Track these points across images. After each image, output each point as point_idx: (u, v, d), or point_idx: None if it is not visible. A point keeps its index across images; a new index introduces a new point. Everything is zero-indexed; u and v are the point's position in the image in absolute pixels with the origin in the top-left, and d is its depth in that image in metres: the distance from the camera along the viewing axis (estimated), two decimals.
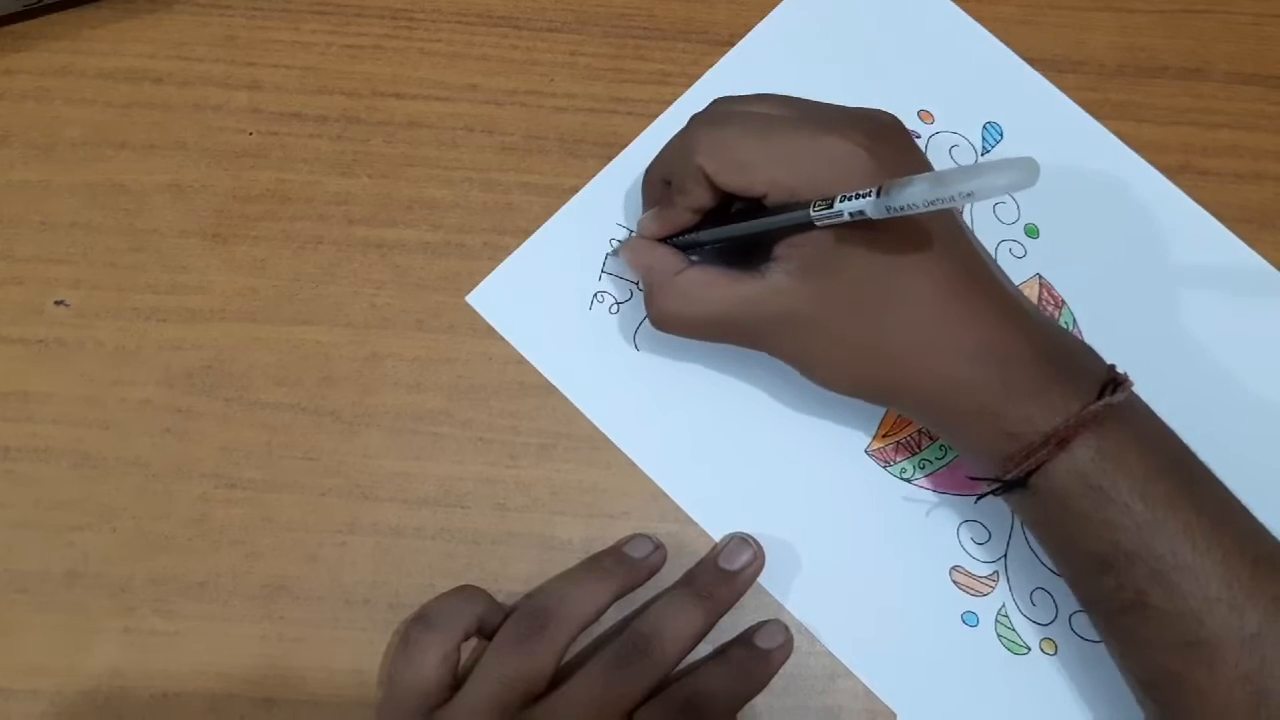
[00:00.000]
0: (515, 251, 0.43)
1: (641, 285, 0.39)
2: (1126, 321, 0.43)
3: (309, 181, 0.44)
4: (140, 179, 0.43)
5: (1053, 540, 0.36)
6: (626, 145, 0.45)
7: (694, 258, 0.39)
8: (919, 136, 0.45)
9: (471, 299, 0.42)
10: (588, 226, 0.44)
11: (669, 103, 0.45)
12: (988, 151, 0.45)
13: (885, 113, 0.37)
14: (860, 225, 0.32)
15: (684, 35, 0.47)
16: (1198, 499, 0.33)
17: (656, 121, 0.45)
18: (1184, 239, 0.45)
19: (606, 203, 0.44)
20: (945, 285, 0.34)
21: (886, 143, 0.35)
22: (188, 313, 0.42)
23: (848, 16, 0.47)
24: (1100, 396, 0.33)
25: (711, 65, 0.46)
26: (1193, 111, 0.47)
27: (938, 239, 0.34)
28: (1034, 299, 0.43)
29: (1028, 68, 0.47)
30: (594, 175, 0.44)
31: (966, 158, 0.45)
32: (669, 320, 0.37)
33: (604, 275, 0.43)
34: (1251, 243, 0.45)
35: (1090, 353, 0.36)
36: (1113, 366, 0.35)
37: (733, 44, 0.46)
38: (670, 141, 0.39)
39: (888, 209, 0.30)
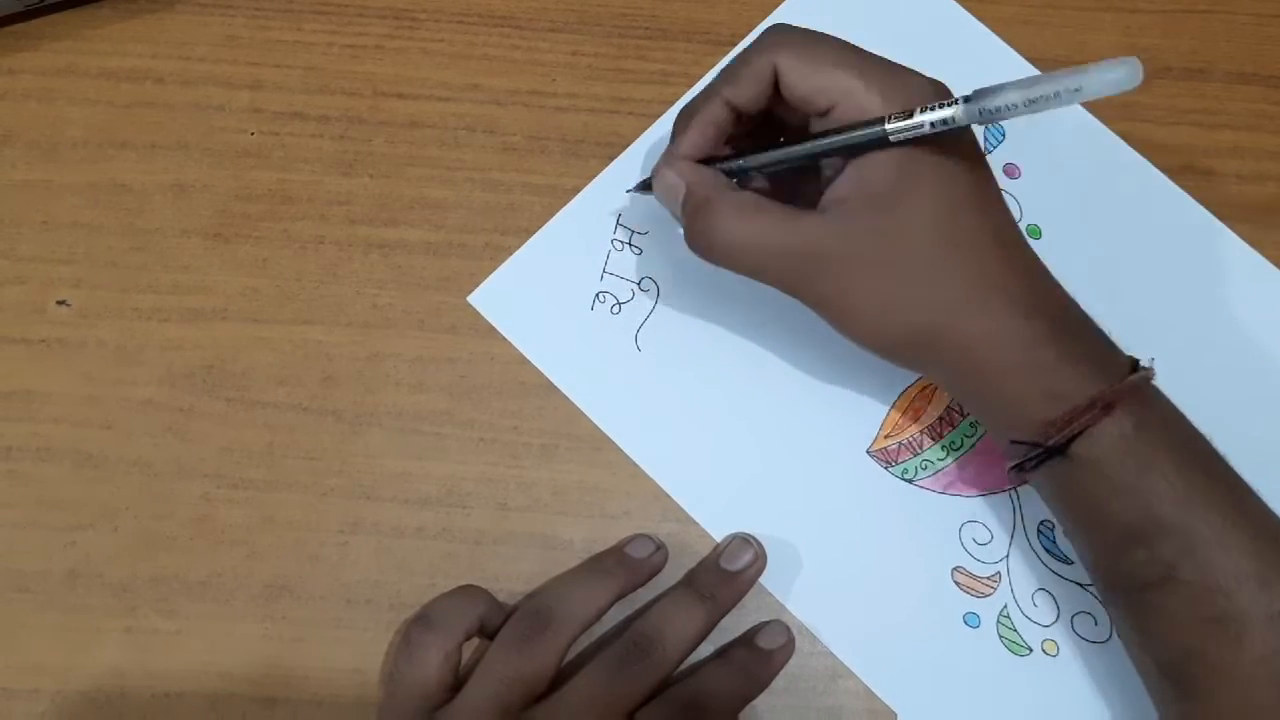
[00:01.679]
0: (517, 252, 0.43)
1: (679, 206, 0.36)
2: (1128, 321, 0.43)
3: (311, 181, 0.44)
4: (142, 179, 0.43)
5: (1083, 513, 0.35)
6: (628, 145, 0.45)
7: None
8: None
9: (473, 299, 0.42)
10: (589, 227, 0.44)
11: (671, 103, 0.45)
12: (989, 152, 0.45)
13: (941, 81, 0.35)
14: (926, 163, 0.32)
15: (686, 35, 0.46)
16: (1223, 479, 0.33)
17: (658, 122, 0.45)
18: (1186, 239, 0.45)
19: (608, 203, 0.44)
20: (1003, 232, 0.34)
21: (947, 96, 0.34)
22: (189, 312, 0.42)
23: (849, 16, 0.47)
24: (1134, 371, 0.33)
25: (713, 65, 0.46)
26: (1195, 112, 0.47)
27: (992, 187, 0.34)
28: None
29: (1030, 68, 0.47)
30: (596, 175, 0.44)
31: None
32: (714, 243, 0.35)
33: (606, 275, 0.43)
34: (1253, 243, 0.45)
35: (1107, 334, 0.36)
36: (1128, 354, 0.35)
37: (734, 44, 0.46)
38: (733, 55, 0.37)
39: (981, 111, 0.29)
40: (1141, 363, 0.34)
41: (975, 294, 0.33)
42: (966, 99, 0.30)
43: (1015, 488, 0.41)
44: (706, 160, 0.36)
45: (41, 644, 0.38)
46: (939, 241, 0.33)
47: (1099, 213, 0.44)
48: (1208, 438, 0.34)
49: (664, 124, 0.45)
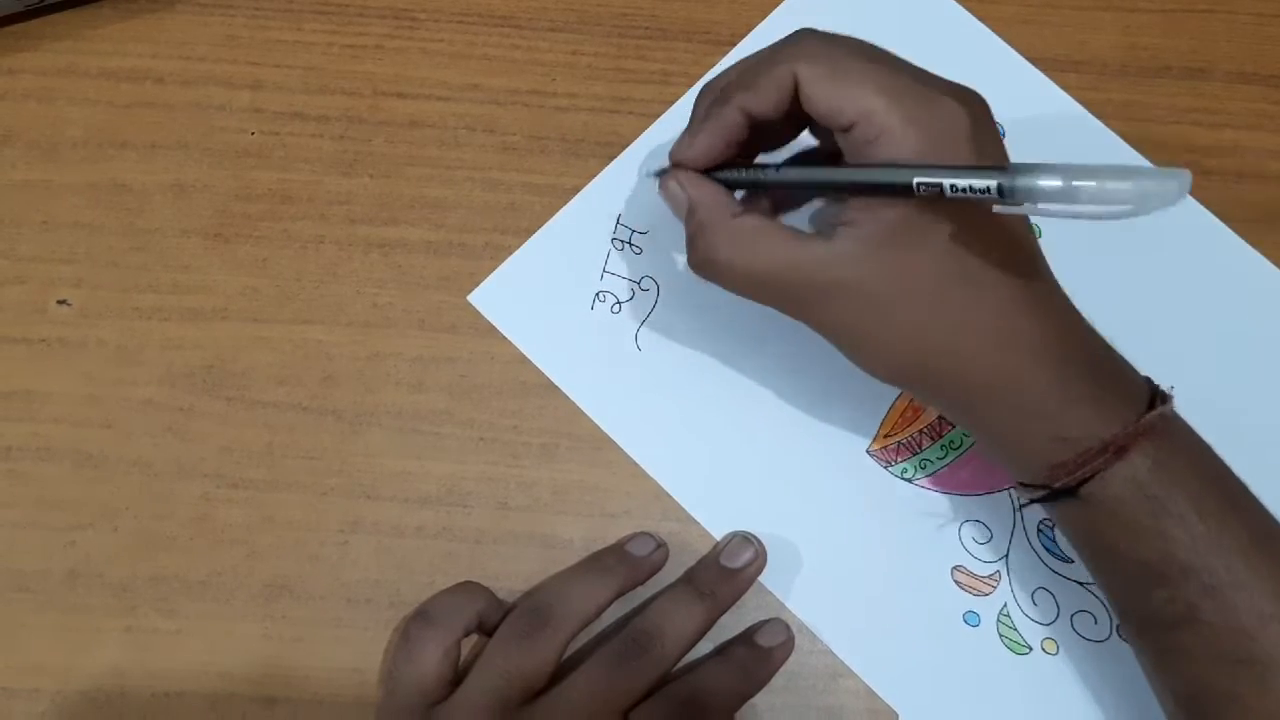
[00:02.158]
0: (517, 251, 0.43)
1: (685, 223, 0.34)
2: (1128, 321, 0.43)
3: (311, 181, 0.44)
4: (142, 179, 0.43)
5: (1098, 552, 0.34)
6: (628, 145, 0.45)
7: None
8: None
9: (473, 298, 0.42)
10: (589, 226, 0.44)
11: (671, 103, 0.45)
12: None
13: (978, 93, 0.33)
14: (942, 203, 0.30)
15: (686, 35, 0.47)
16: (1246, 515, 0.32)
17: (658, 121, 0.45)
18: (1186, 239, 0.45)
19: (608, 202, 0.44)
20: (1022, 273, 0.32)
21: (985, 124, 0.32)
22: (189, 312, 0.42)
23: (849, 16, 0.47)
24: (1151, 405, 0.32)
25: (713, 65, 0.46)
26: (1195, 111, 0.47)
27: (1017, 220, 0.33)
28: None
29: (1030, 67, 0.47)
30: (596, 175, 0.44)
31: None
32: (716, 268, 0.34)
33: (606, 275, 0.43)
34: (1254, 243, 0.44)
35: (1128, 363, 0.34)
36: (1149, 379, 0.34)
37: (734, 44, 0.46)
38: (756, 52, 0.34)
39: (1015, 210, 0.28)
40: (1161, 389, 0.33)
41: (983, 336, 0.32)
42: (1000, 186, 0.28)
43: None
44: (718, 165, 0.35)
45: (41, 644, 0.38)
46: (955, 279, 0.32)
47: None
48: (1227, 466, 0.33)
49: (665, 124, 0.45)
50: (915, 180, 0.29)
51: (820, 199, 0.41)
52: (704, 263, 0.34)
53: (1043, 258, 0.34)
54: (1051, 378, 0.32)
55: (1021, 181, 0.28)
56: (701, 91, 0.36)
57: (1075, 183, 0.27)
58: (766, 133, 0.35)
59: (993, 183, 0.28)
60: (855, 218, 0.32)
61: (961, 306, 0.32)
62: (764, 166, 0.34)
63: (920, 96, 0.31)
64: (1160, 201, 0.26)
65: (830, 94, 0.31)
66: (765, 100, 0.32)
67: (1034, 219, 0.40)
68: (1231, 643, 0.31)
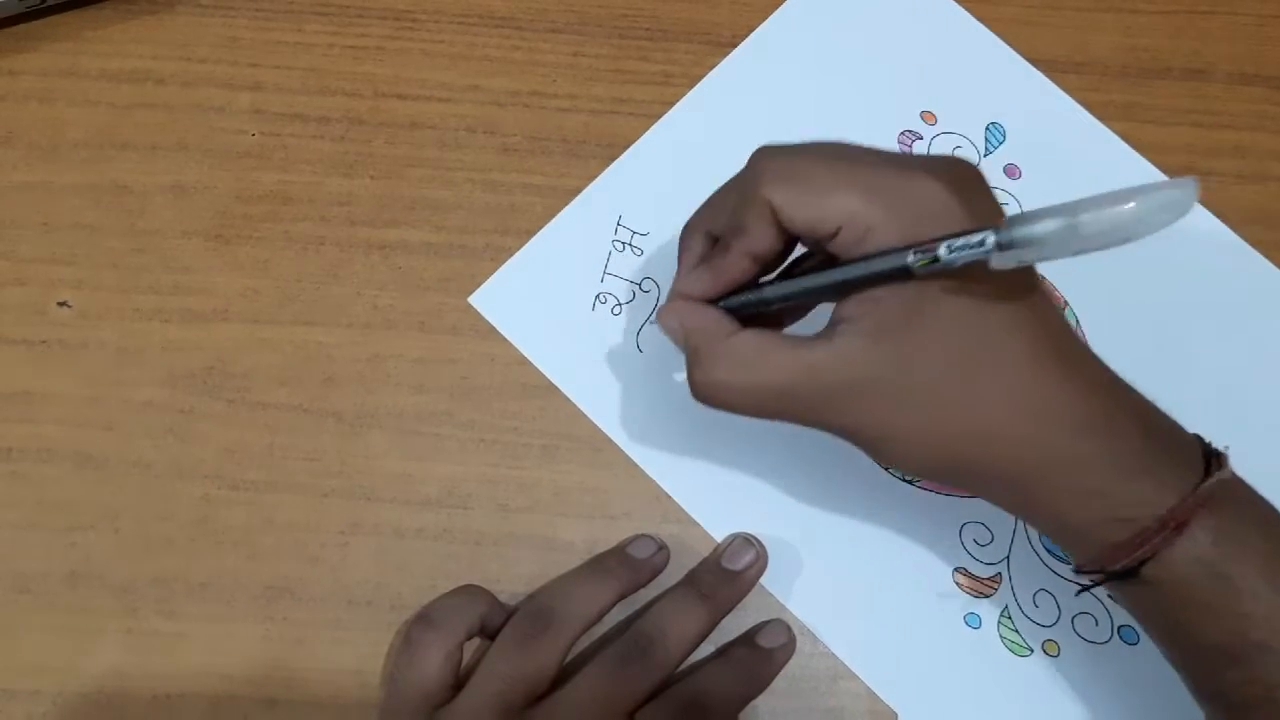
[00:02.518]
0: (518, 252, 0.43)
1: (684, 352, 0.33)
2: (1129, 322, 0.43)
3: (311, 182, 0.44)
4: (143, 180, 0.43)
5: (1166, 631, 0.32)
6: (629, 146, 0.45)
7: None
8: (921, 138, 0.45)
9: (474, 300, 0.42)
10: (590, 227, 0.44)
11: (671, 104, 0.45)
12: (990, 152, 0.45)
13: (964, 160, 0.32)
14: (944, 277, 0.29)
15: (686, 36, 0.46)
16: None
17: (659, 122, 0.45)
18: (1187, 240, 0.44)
19: (609, 204, 0.44)
20: (1043, 345, 0.30)
21: (970, 186, 0.30)
22: (190, 314, 0.42)
23: (850, 17, 0.47)
24: (1208, 469, 0.30)
25: (714, 66, 0.46)
26: (1196, 112, 0.47)
27: (1031, 291, 0.30)
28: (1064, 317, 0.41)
29: (1031, 68, 0.47)
30: (596, 176, 0.44)
31: (970, 158, 0.45)
32: (717, 390, 0.32)
33: (607, 276, 0.43)
34: (1255, 243, 0.44)
35: (1175, 422, 0.32)
36: (1199, 436, 0.32)
37: (735, 45, 0.46)
38: (720, 188, 0.34)
39: (1018, 261, 0.26)
40: (1214, 448, 0.31)
41: (1013, 415, 0.30)
42: (998, 241, 0.26)
43: None
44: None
45: (42, 645, 0.38)
46: (963, 360, 0.30)
47: None
48: None
49: (665, 125, 0.45)
50: (909, 257, 0.28)
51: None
52: (704, 386, 0.32)
53: (1069, 325, 0.32)
54: (1098, 451, 0.30)
55: (1019, 231, 0.26)
56: (684, 230, 0.35)
57: (1077, 218, 0.25)
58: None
59: (989, 236, 0.27)
60: (854, 313, 0.30)
61: (982, 385, 0.30)
62: (760, 285, 0.33)
63: (895, 184, 0.30)
64: (1170, 215, 0.25)
65: (807, 210, 0.30)
66: (763, 239, 0.31)
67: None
68: None
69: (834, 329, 0.31)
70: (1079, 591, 0.33)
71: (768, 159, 0.31)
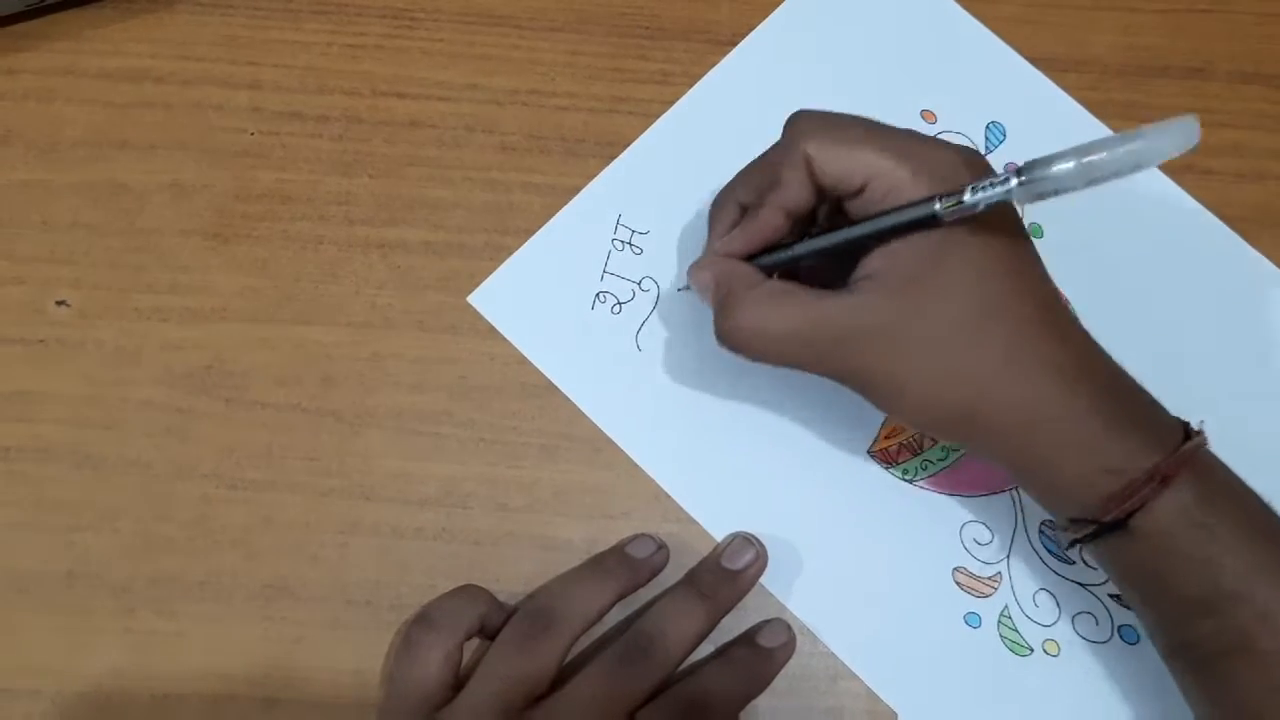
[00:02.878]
0: (517, 251, 0.43)
1: (713, 301, 0.36)
2: (1129, 321, 0.43)
3: (310, 181, 0.43)
4: (141, 179, 0.43)
5: (1145, 585, 0.34)
6: (628, 145, 0.45)
7: None
8: None
9: (473, 299, 0.42)
10: (589, 226, 0.44)
11: (670, 102, 0.45)
12: (991, 151, 0.45)
13: (971, 148, 0.35)
14: (958, 236, 0.31)
15: (686, 35, 0.46)
16: None
17: (658, 121, 0.45)
18: (1187, 239, 0.45)
19: (608, 202, 0.44)
20: (1043, 302, 0.33)
21: (980, 165, 0.34)
22: (189, 313, 0.42)
23: (850, 16, 0.47)
24: (1187, 437, 0.32)
25: (713, 65, 0.46)
26: (1195, 111, 0.46)
27: (1034, 259, 0.33)
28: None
29: (1030, 67, 0.47)
30: (595, 175, 0.44)
31: None
32: (742, 335, 0.34)
33: (606, 275, 0.43)
34: (1254, 242, 0.44)
35: (1155, 399, 0.34)
36: (1175, 416, 0.34)
37: (734, 44, 0.46)
38: (752, 161, 0.37)
39: (1039, 195, 0.29)
40: (1192, 425, 0.33)
41: (1015, 365, 0.32)
42: (1019, 176, 0.29)
43: (1017, 488, 0.41)
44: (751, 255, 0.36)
45: (41, 644, 0.38)
46: (974, 314, 0.32)
47: (1100, 212, 0.44)
48: (1260, 496, 0.33)
49: (664, 124, 0.45)
50: (936, 204, 0.31)
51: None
52: (729, 330, 0.34)
53: (1056, 289, 0.35)
54: (1090, 406, 0.32)
55: (1039, 171, 0.29)
56: (716, 201, 0.37)
57: (1087, 159, 0.28)
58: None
59: (1012, 180, 0.29)
60: (873, 268, 0.33)
61: (986, 338, 0.32)
62: (789, 245, 0.35)
63: (919, 150, 0.33)
64: (1173, 147, 0.27)
65: (840, 161, 0.33)
66: (798, 192, 0.34)
67: (1036, 219, 0.40)
68: None
69: (854, 283, 0.33)
70: (1068, 546, 0.34)
71: (807, 117, 0.34)
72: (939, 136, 0.45)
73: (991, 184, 0.30)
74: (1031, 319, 0.33)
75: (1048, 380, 0.32)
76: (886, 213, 0.32)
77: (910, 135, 0.34)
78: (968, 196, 0.30)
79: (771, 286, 0.34)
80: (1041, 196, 0.29)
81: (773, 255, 0.35)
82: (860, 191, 0.33)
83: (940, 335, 0.32)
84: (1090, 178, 0.28)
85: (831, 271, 0.35)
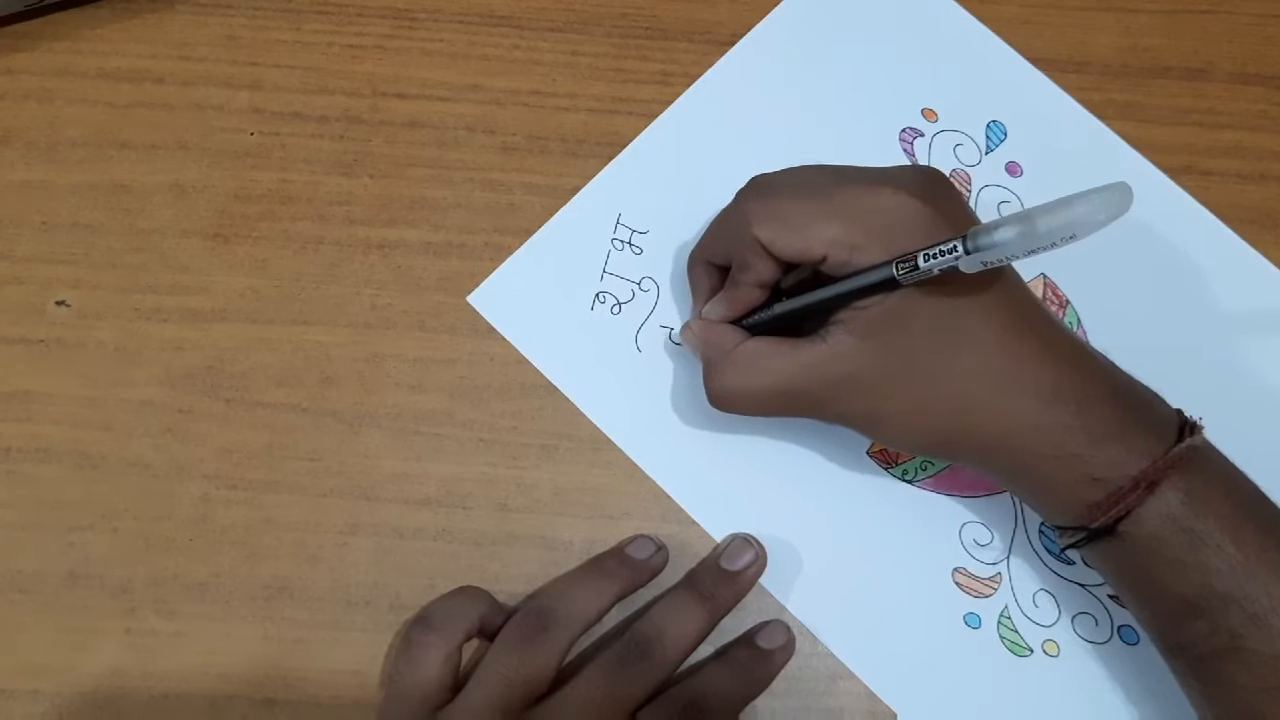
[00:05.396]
0: (517, 251, 0.43)
1: (701, 364, 0.38)
2: (1129, 321, 0.43)
3: (310, 182, 0.43)
4: (141, 179, 0.43)
5: (1137, 587, 0.34)
6: (628, 145, 0.45)
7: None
8: (922, 135, 0.45)
9: (473, 299, 0.42)
10: (589, 226, 0.44)
11: (670, 102, 0.45)
12: (991, 150, 0.45)
13: (927, 166, 0.37)
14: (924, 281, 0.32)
15: (686, 35, 0.46)
16: None
17: (657, 121, 0.45)
18: (1187, 239, 0.44)
19: (608, 202, 0.44)
20: (1012, 326, 0.34)
21: (936, 191, 0.34)
22: (189, 313, 0.42)
23: (849, 16, 0.47)
24: (1180, 438, 0.33)
25: (712, 65, 0.46)
26: (1196, 112, 0.47)
27: (998, 280, 0.34)
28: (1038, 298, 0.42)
29: (1031, 67, 0.47)
30: (596, 175, 0.44)
31: (971, 156, 0.45)
32: (729, 395, 0.37)
33: (606, 275, 0.43)
34: (1254, 243, 0.44)
35: (1157, 396, 0.35)
36: (1180, 410, 0.34)
37: (734, 43, 0.46)
38: (713, 223, 0.39)
39: (983, 264, 0.30)
40: (1191, 419, 0.34)
41: (990, 391, 0.33)
42: (966, 246, 0.30)
43: None
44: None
45: (41, 645, 0.38)
46: (943, 348, 0.33)
47: None
48: (1261, 491, 0.34)
49: (664, 124, 0.45)
50: (895, 270, 0.32)
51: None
52: (718, 393, 0.37)
53: (1042, 306, 0.35)
54: (1070, 420, 0.33)
55: (983, 239, 0.29)
56: (690, 263, 0.40)
57: (1032, 224, 0.28)
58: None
59: (958, 245, 0.30)
60: (844, 317, 0.34)
61: (959, 366, 0.33)
62: (770, 304, 0.37)
63: (868, 205, 0.34)
64: (1108, 214, 0.27)
65: (793, 242, 0.34)
66: (764, 270, 0.36)
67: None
68: (1277, 669, 0.31)
69: (827, 331, 0.35)
70: (1063, 550, 0.35)
71: (750, 202, 0.36)
72: (940, 134, 0.45)
73: (941, 253, 0.31)
74: (1004, 345, 0.33)
75: (1025, 403, 0.33)
76: (849, 276, 0.34)
77: (856, 189, 0.34)
78: (921, 263, 0.31)
79: (749, 349, 0.36)
80: (986, 265, 0.30)
81: (754, 317, 0.38)
82: (823, 259, 0.34)
83: (912, 373, 0.34)
84: (1028, 250, 0.29)
85: (809, 319, 0.36)
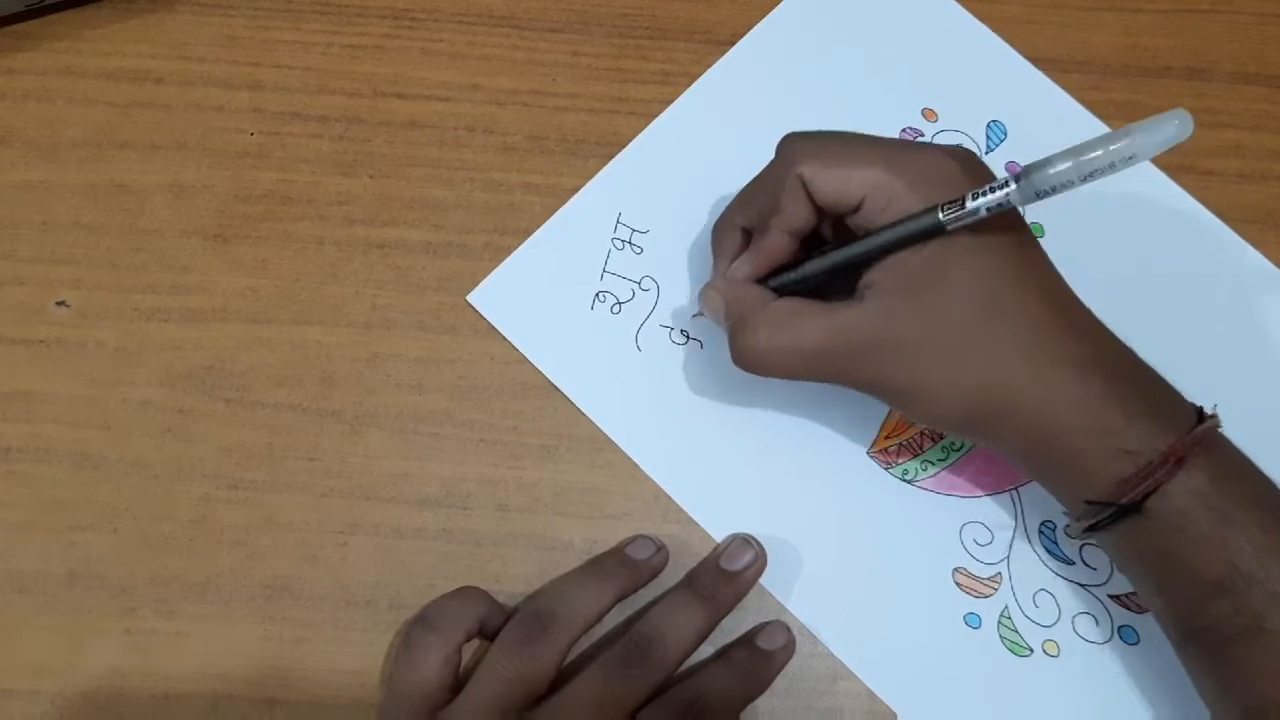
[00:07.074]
0: (516, 251, 0.43)
1: (726, 324, 0.37)
2: (1130, 321, 0.42)
3: (310, 182, 0.43)
4: (141, 179, 0.43)
5: (1160, 569, 0.34)
6: (628, 144, 0.45)
7: None
8: (922, 134, 0.45)
9: (473, 299, 0.42)
10: (589, 226, 0.44)
11: (670, 102, 0.45)
12: (992, 150, 0.45)
13: (966, 147, 0.36)
14: (961, 239, 0.32)
15: (685, 35, 0.46)
16: None
17: (657, 121, 0.45)
18: (1187, 239, 0.44)
19: (608, 202, 0.44)
20: (1047, 297, 0.34)
21: (975, 162, 0.34)
22: (189, 313, 0.42)
23: (850, 15, 0.47)
24: (1200, 419, 0.33)
25: (712, 65, 0.46)
26: (1196, 111, 0.45)
27: (1035, 253, 0.34)
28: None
29: (1031, 67, 0.47)
30: (595, 175, 0.44)
31: None
32: (758, 355, 0.35)
33: (606, 275, 0.43)
34: (1255, 243, 0.44)
35: (1166, 380, 0.35)
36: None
37: (734, 43, 0.46)
38: (751, 181, 0.38)
39: (1037, 193, 0.29)
40: (1205, 410, 0.34)
41: (1027, 360, 0.33)
42: (1018, 179, 0.30)
43: (1017, 488, 0.41)
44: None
45: (41, 645, 0.38)
46: (981, 314, 0.33)
47: (1101, 212, 0.44)
48: (1269, 477, 0.34)
49: (664, 123, 0.45)
50: (940, 214, 0.31)
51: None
52: (746, 352, 0.35)
53: (1063, 279, 0.35)
54: (1104, 391, 0.33)
55: (1037, 175, 0.29)
56: (717, 226, 0.39)
57: (1084, 157, 0.29)
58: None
59: (1011, 184, 0.30)
60: (880, 278, 0.33)
61: (997, 335, 0.33)
62: (799, 263, 0.36)
63: (911, 160, 0.33)
64: (1165, 141, 0.28)
65: (835, 180, 0.34)
66: (799, 214, 0.35)
67: (1037, 218, 0.40)
68: None
69: (863, 293, 0.34)
70: (1082, 533, 0.35)
71: (797, 141, 0.35)
72: (941, 134, 0.45)
73: (991, 189, 0.31)
74: (1039, 314, 0.33)
75: (1061, 373, 0.33)
76: (892, 226, 0.33)
77: (901, 144, 0.34)
78: (969, 203, 0.31)
79: (782, 305, 0.35)
80: (1039, 195, 0.30)
81: (781, 276, 0.36)
82: (859, 207, 0.34)
83: (950, 339, 0.33)
84: (1085, 174, 0.29)
85: (834, 283, 0.36)
